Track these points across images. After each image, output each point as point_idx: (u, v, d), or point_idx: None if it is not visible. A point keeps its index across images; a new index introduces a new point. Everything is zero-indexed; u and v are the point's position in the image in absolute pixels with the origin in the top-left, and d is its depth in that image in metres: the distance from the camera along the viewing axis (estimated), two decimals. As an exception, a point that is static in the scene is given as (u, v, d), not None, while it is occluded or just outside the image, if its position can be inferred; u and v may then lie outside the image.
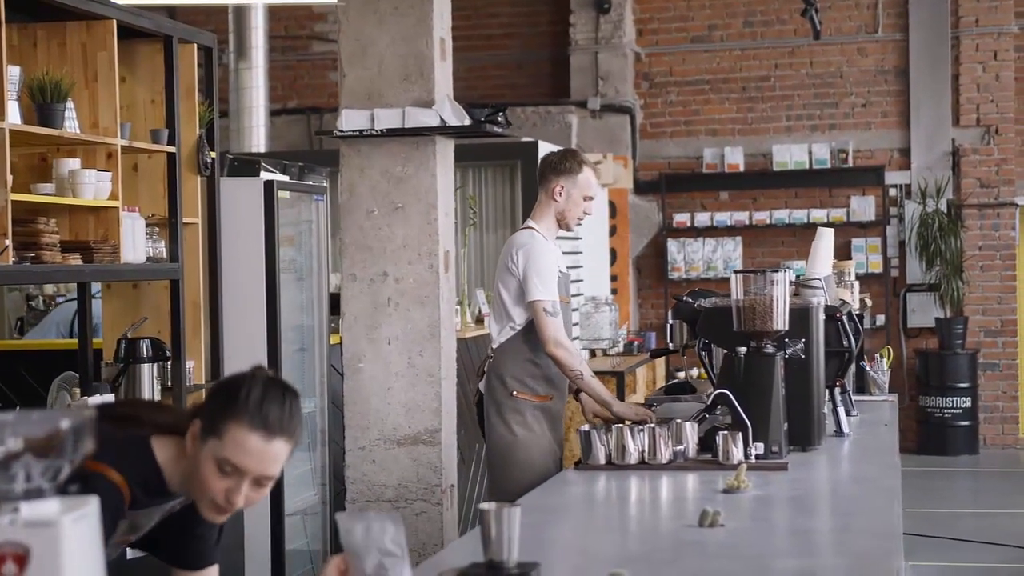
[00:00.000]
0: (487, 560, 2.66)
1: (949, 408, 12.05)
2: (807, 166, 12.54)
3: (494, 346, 5.24)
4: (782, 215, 12.56)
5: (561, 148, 5.76)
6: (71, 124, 4.86)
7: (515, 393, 5.13)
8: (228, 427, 2.55)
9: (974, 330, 12.35)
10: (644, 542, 3.38)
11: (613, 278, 12.03)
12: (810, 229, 7.12)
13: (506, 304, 5.16)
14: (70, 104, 4.86)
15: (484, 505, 2.65)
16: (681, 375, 9.80)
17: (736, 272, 4.45)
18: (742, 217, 12.64)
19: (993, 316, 12.44)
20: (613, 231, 12.12)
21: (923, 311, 12.41)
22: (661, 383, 10.08)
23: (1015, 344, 12.47)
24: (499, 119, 5.66)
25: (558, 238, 5.34)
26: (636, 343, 10.45)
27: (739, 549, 3.11)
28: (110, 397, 5.24)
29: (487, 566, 2.67)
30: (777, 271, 4.42)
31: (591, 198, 5.24)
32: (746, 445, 4.20)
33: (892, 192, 12.58)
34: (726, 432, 4.20)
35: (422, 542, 5.35)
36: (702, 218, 12.70)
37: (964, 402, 12.05)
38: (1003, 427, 12.45)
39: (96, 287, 6.04)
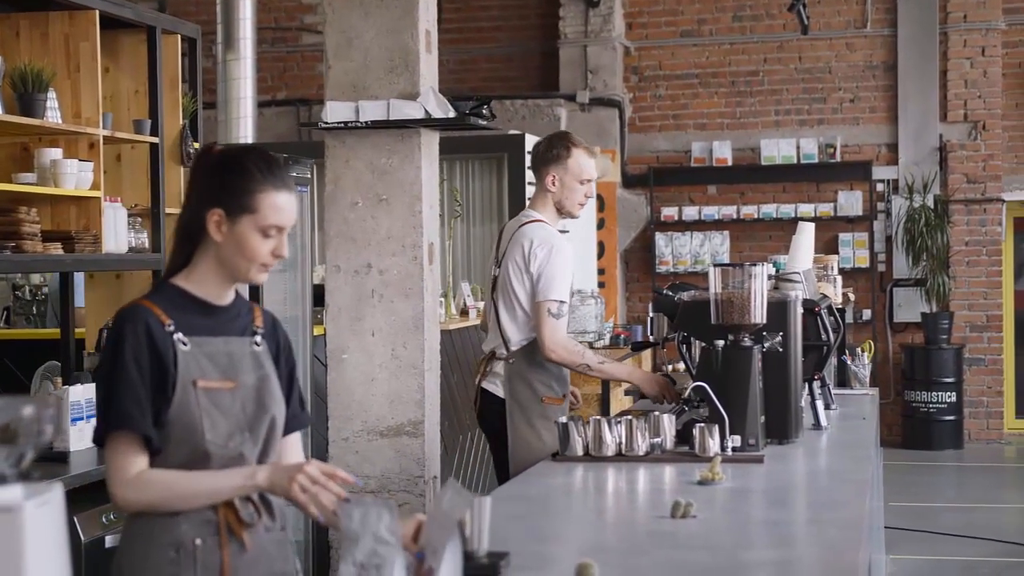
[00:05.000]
0: (457, 549, 2.68)
1: (934, 403, 12.08)
2: (795, 161, 12.57)
3: (512, 347, 5.01)
4: (770, 209, 12.58)
5: (549, 134, 5.45)
6: (53, 114, 4.87)
7: (544, 399, 4.99)
8: (258, 199, 2.81)
9: (960, 325, 12.39)
10: (616, 533, 3.40)
11: (601, 271, 12.05)
12: (797, 224, 7.09)
13: (524, 304, 4.98)
14: (51, 94, 4.86)
15: (455, 495, 2.67)
16: (669, 368, 9.82)
17: (715, 266, 4.46)
18: (730, 211, 12.65)
19: (979, 311, 12.48)
20: (601, 224, 12.13)
21: (909, 306, 12.44)
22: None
23: (1000, 339, 12.51)
24: (483, 112, 5.66)
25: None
26: (623, 336, 10.46)
27: (709, 540, 3.13)
28: (91, 387, 5.25)
29: (457, 555, 2.69)
30: (755, 265, 4.43)
31: (588, 180, 5.04)
32: (723, 438, 4.21)
33: (879, 187, 12.61)
34: (703, 424, 4.22)
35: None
36: (690, 212, 12.72)
37: (949, 397, 12.09)
38: (988, 422, 12.50)
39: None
